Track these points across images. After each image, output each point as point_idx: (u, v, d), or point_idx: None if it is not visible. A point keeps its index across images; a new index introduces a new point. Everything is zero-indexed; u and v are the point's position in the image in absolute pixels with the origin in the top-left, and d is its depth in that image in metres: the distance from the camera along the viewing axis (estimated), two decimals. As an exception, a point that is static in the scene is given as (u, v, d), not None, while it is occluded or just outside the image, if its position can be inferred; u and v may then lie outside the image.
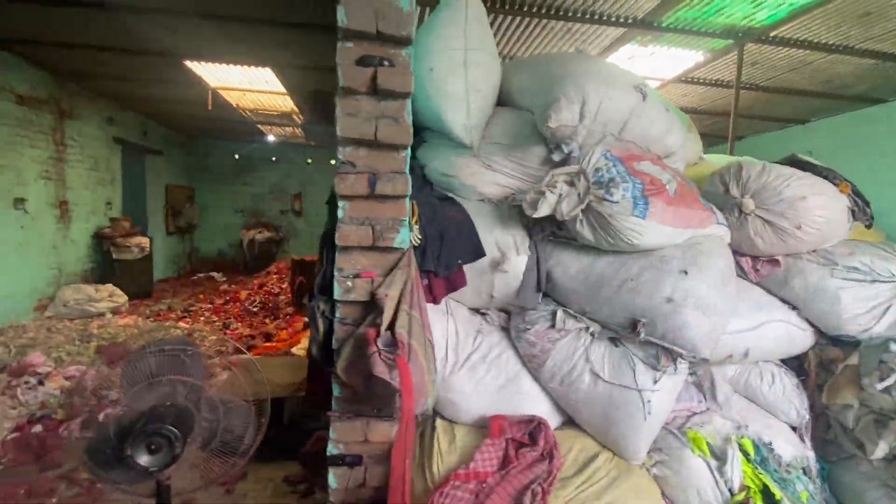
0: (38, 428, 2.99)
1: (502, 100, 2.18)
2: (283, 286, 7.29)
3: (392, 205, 1.69)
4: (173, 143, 10.11)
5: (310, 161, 11.46)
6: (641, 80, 1.93)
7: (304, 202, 11.64)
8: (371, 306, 1.67)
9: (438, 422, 1.73)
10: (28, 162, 5.68)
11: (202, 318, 6.21)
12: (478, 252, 1.80)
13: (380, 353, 1.44)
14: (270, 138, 10.41)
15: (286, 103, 7.34)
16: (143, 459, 1.28)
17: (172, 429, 1.29)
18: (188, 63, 5.54)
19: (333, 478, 1.70)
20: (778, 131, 8.02)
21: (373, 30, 1.59)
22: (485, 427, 1.70)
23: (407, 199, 1.71)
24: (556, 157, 1.89)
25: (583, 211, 1.66)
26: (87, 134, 6.88)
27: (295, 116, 8.22)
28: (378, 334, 1.49)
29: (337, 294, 1.66)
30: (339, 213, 1.69)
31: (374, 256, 1.70)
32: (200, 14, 4.05)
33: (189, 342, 1.53)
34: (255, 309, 6.54)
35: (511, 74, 2.19)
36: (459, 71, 1.94)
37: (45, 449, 2.76)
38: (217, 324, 5.90)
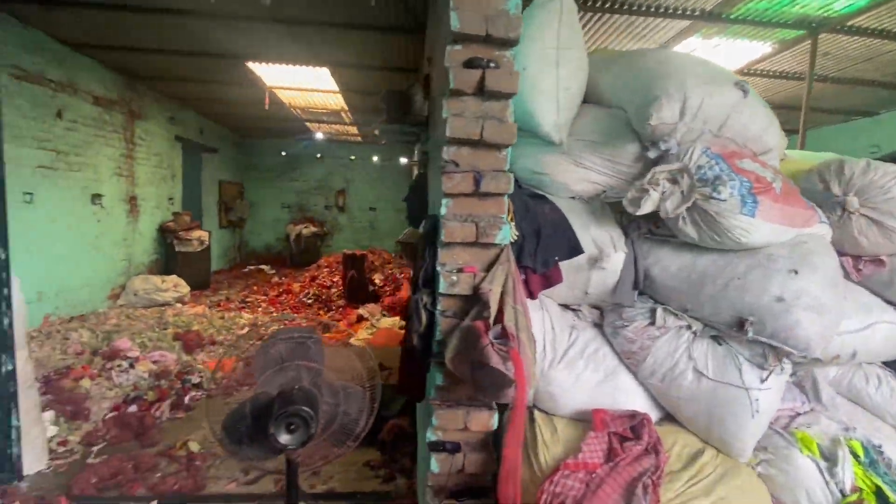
0: (132, 408, 3.22)
1: (586, 97, 2.19)
2: (335, 279, 7.49)
3: (493, 202, 1.75)
4: (226, 140, 10.53)
5: (353, 158, 11.71)
6: (740, 77, 1.91)
7: (348, 198, 11.91)
8: (473, 300, 1.73)
9: (537, 413, 1.78)
10: (104, 160, 6.07)
11: (260, 309, 6.47)
12: (575, 249, 1.83)
13: (492, 345, 1.50)
14: (318, 136, 10.68)
15: (336, 101, 7.53)
16: (283, 438, 1.38)
17: (309, 410, 1.38)
18: (250, 64, 5.76)
19: (436, 462, 1.77)
20: (841, 124, 7.64)
21: (482, 33, 1.64)
22: (582, 420, 1.73)
23: (506, 197, 1.76)
24: (652, 154, 1.89)
25: (687, 209, 1.66)
26: (152, 133, 7.27)
27: (343, 114, 8.41)
28: (487, 327, 1.55)
29: (442, 288, 1.73)
30: (442, 210, 1.75)
31: (475, 252, 1.76)
32: (272, 18, 4.21)
33: (313, 330, 1.63)
34: (309, 301, 6.77)
35: (596, 72, 2.19)
36: (551, 70, 1.97)
37: (143, 427, 2.98)
38: (276, 315, 6.14)
